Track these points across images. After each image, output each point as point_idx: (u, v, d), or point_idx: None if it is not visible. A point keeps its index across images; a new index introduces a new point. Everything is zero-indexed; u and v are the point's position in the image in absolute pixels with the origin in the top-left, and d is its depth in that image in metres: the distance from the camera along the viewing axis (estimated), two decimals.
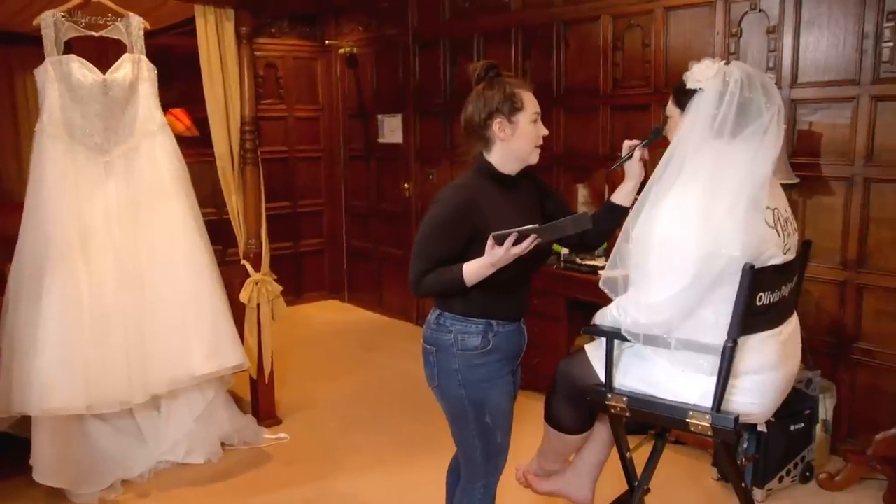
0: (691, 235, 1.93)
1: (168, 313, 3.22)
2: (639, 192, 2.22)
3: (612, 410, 2.19)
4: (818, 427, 3.30)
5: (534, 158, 2.21)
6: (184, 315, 3.26)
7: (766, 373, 2.05)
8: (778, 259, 2.02)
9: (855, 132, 3.33)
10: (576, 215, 2.06)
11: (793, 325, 2.16)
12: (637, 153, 2.26)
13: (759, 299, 1.98)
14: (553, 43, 4.54)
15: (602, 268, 3.87)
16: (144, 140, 3.28)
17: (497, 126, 2.13)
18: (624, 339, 2.12)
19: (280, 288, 3.86)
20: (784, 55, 3.49)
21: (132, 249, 3.22)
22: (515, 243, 1.96)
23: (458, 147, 5.30)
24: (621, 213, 2.29)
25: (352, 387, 4.57)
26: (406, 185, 5.81)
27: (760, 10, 3.57)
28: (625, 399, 2.15)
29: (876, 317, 3.35)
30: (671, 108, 2.16)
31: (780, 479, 3.19)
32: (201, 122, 4.75)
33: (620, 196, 2.31)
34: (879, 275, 3.32)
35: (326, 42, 6.26)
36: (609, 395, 2.18)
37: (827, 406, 3.35)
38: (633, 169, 2.28)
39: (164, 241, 3.27)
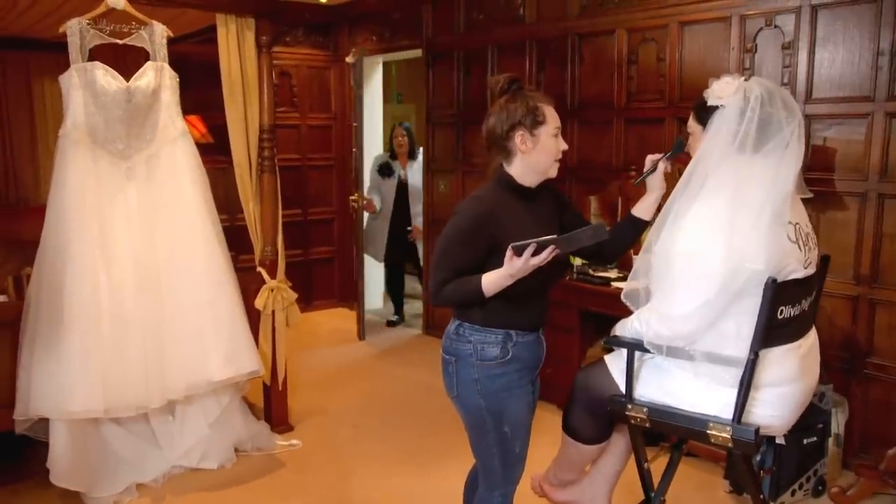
0: (716, 248, 1.96)
1: (186, 319, 3.26)
2: (659, 207, 2.27)
3: (632, 421, 2.22)
4: (830, 441, 3.32)
5: (553, 172, 2.24)
6: (202, 321, 3.29)
7: (785, 386, 2.08)
8: (799, 273, 2.05)
9: (869, 148, 3.35)
10: (593, 226, 2.08)
11: (811, 338, 2.19)
12: (660, 167, 2.30)
13: (781, 313, 2.01)
14: (567, 56, 4.59)
15: (615, 279, 3.95)
16: (165, 146, 3.32)
17: (519, 139, 2.16)
18: (646, 350, 2.15)
19: (295, 295, 3.90)
20: (799, 71, 3.53)
21: (152, 255, 3.26)
22: (534, 254, 1.98)
23: (472, 158, 5.36)
24: (642, 226, 2.34)
25: (362, 395, 4.59)
26: (353, 198, 5.75)
27: (776, 27, 3.61)
28: (645, 410, 2.18)
29: (889, 332, 3.38)
30: (692, 124, 2.20)
31: (793, 493, 3.20)
32: (215, 129, 4.82)
33: (641, 209, 2.34)
34: (892, 290, 3.35)
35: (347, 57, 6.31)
36: (629, 406, 2.21)
37: (839, 420, 3.36)
38: (655, 182, 2.32)
39: (184, 248, 3.30)
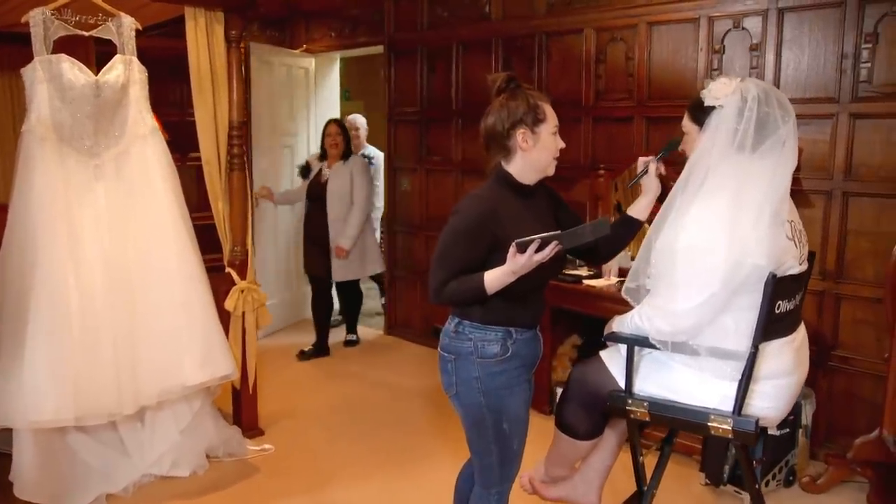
0: (718, 244, 2.03)
1: (160, 320, 3.18)
2: (655, 209, 2.34)
3: (632, 415, 2.28)
4: (800, 432, 3.47)
5: (551, 170, 2.28)
6: (176, 322, 3.22)
7: (782, 378, 2.17)
8: (795, 269, 2.14)
9: (834, 148, 3.51)
10: (596, 221, 2.13)
11: (802, 332, 2.29)
12: (652, 168, 2.36)
13: (778, 307, 2.10)
14: (535, 54, 4.65)
15: (586, 277, 4.02)
16: (135, 144, 3.24)
17: (520, 136, 2.19)
18: (646, 346, 2.21)
19: (266, 296, 3.85)
20: (766, 72, 3.66)
21: (122, 255, 3.17)
22: (537, 250, 2.01)
23: (435, 156, 5.38)
24: (637, 226, 2.40)
25: (331, 398, 4.56)
26: (257, 191, 5.22)
27: (743, 28, 3.74)
28: (645, 404, 2.24)
29: (853, 325, 3.54)
30: (688, 124, 2.26)
31: (767, 484, 3.33)
32: (171, 126, 4.70)
33: (637, 210, 2.40)
34: (857, 285, 3.51)
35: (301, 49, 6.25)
36: (629, 401, 2.27)
37: (807, 412, 3.51)
38: (650, 184, 2.37)
39: (156, 247, 3.22)
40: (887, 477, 3.17)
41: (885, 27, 3.33)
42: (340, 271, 5.16)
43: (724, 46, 3.82)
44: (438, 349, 2.36)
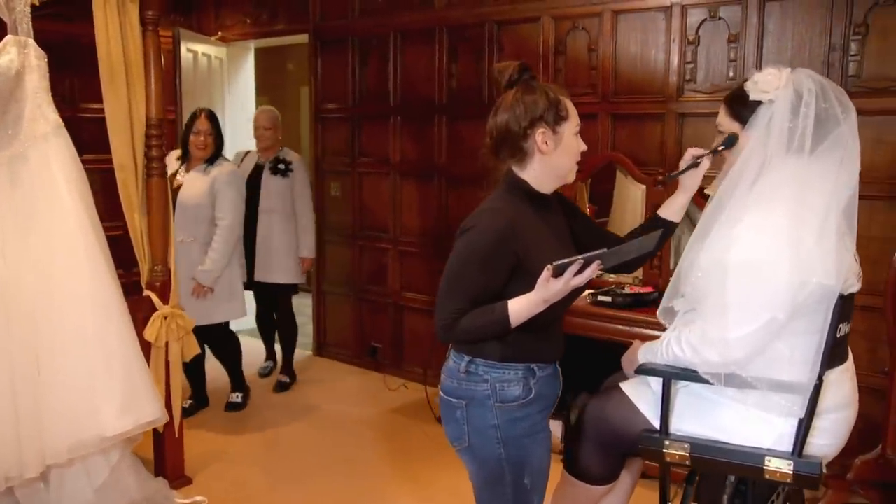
0: (780, 260, 1.80)
1: (70, 359, 2.75)
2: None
3: (669, 459, 2.03)
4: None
5: (572, 176, 2.07)
6: (90, 360, 2.78)
7: (841, 411, 1.98)
8: (855, 288, 1.95)
9: None
10: (643, 238, 1.96)
11: (851, 358, 2.11)
12: (705, 163, 2.11)
13: (839, 331, 1.90)
14: (484, 45, 4.40)
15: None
16: (35, 145, 2.79)
17: (540, 137, 1.95)
18: (693, 379, 1.98)
19: (193, 323, 3.42)
20: (747, 65, 3.52)
21: (20, 281, 2.73)
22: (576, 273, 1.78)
23: (368, 157, 5.05)
24: (671, 229, 2.19)
25: (265, 434, 4.14)
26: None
27: (720, 19, 3.59)
28: (686, 446, 2.00)
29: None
30: (726, 121, 2.05)
31: None
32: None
33: (672, 210, 2.18)
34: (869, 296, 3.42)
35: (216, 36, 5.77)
36: (666, 443, 2.02)
37: None
38: (692, 181, 2.16)
39: (62, 270, 2.78)
40: (891, 497, 3.08)
41: (876, 17, 3.24)
42: (201, 313, 3.97)
43: (698, 37, 3.66)
44: (441, 393, 2.08)
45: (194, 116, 4.24)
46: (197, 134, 4.17)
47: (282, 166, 4.67)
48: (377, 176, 5.02)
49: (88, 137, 3.83)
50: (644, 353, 2.09)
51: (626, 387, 2.17)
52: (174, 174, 4.11)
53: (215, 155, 4.22)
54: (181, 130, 4.46)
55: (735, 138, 2.02)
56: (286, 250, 4.71)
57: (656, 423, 2.06)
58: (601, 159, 3.88)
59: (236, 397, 4.51)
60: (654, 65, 3.82)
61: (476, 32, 4.43)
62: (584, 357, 2.51)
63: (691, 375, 1.97)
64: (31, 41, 2.83)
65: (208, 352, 4.39)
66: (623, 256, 1.88)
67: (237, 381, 4.54)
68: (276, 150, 4.75)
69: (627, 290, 3.47)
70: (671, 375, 2.00)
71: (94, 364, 2.80)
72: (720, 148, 2.05)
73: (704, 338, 1.91)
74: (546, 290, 1.79)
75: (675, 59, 3.73)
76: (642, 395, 2.11)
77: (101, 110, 3.13)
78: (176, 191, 4.05)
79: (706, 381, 1.94)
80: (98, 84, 3.10)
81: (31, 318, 2.72)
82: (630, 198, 3.86)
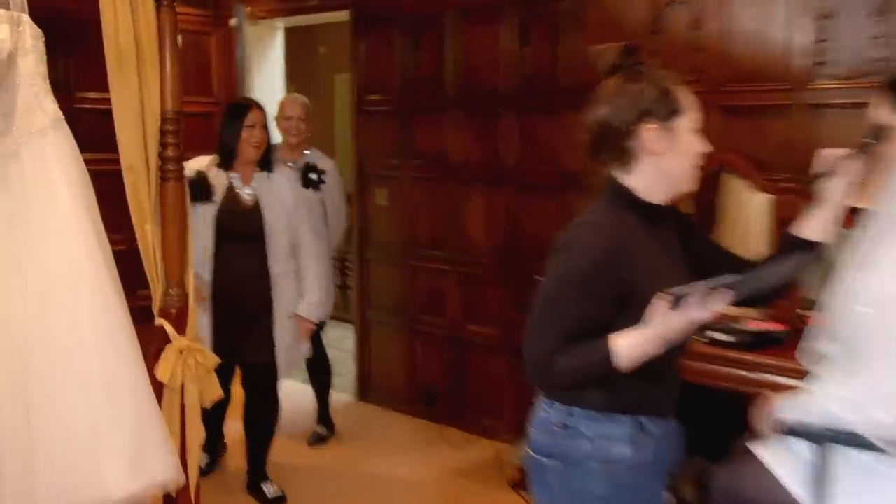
0: None
1: (69, 410, 2.67)
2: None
3: None
4: None
5: (690, 184, 2.03)
6: (93, 405, 2.70)
7: None
8: None
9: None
10: (782, 263, 1.97)
11: None
12: (851, 169, 2.02)
13: None
14: (560, 24, 4.41)
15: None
16: (30, 141, 2.74)
17: (648, 134, 1.93)
18: (858, 445, 1.91)
19: (215, 360, 3.30)
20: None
21: (9, 308, 2.67)
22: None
23: (423, 158, 5.05)
24: (814, 252, 2.07)
25: (299, 497, 4.09)
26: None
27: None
28: None
29: None
30: (887, 114, 1.96)
31: None
32: None
33: (815, 230, 2.06)
34: None
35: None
36: None
37: None
38: (835, 191, 2.04)
39: (62, 292, 2.72)
40: None
41: None
42: (290, 358, 4.02)
43: (833, 10, 3.57)
44: (529, 451, 2.06)
45: (247, 108, 4.00)
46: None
47: (314, 176, 4.47)
48: (432, 181, 5.03)
49: (86, 133, 3.77)
50: (789, 409, 2.04)
51: (763, 453, 2.12)
52: (230, 188, 3.91)
53: (269, 154, 3.97)
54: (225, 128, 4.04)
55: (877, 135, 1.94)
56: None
57: (807, 502, 2.01)
58: (712, 163, 3.71)
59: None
60: (775, 45, 3.77)
61: (551, 9, 4.46)
62: (698, 411, 2.42)
63: (858, 440, 1.92)
64: (26, 17, 2.77)
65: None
66: (760, 284, 1.86)
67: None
68: (302, 148, 4.62)
69: (750, 327, 3.29)
70: (831, 440, 1.94)
71: (98, 411, 2.71)
72: (870, 142, 1.96)
73: (873, 392, 1.89)
74: (664, 324, 1.75)
75: (803, 38, 3.65)
76: (787, 465, 2.08)
77: (101, 100, 3.14)
78: (250, 212, 3.88)
79: (877, 449, 1.90)
80: (97, 69, 3.04)
81: (20, 354, 2.66)
82: (743, 210, 3.78)
